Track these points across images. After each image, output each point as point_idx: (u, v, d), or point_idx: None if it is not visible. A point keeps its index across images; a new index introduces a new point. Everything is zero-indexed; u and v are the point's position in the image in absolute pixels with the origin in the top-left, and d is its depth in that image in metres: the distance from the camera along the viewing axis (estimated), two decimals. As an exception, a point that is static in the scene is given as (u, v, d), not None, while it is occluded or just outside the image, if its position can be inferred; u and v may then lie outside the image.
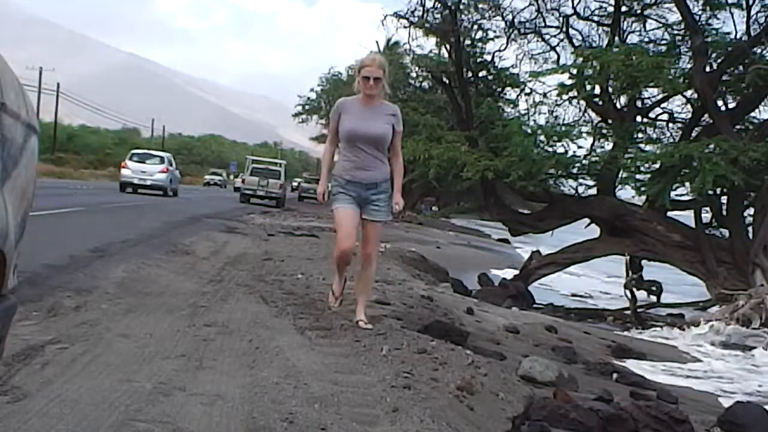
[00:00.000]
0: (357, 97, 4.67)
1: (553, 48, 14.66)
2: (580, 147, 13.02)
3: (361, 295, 4.77)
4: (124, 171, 24.02)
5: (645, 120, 13.72)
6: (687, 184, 11.17)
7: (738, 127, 12.14)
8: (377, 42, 35.30)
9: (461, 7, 14.13)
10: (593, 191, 13.37)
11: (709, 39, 12.00)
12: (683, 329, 9.97)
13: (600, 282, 18.04)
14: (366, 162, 4.58)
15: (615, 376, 5.95)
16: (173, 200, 22.98)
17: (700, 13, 12.34)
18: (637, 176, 11.97)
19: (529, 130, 12.99)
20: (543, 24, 14.55)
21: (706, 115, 12.44)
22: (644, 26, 13.66)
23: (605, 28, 13.89)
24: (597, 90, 12.98)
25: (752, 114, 12.62)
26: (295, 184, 55.04)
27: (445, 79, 15.19)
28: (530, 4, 14.27)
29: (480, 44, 15.19)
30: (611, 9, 13.52)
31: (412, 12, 14.37)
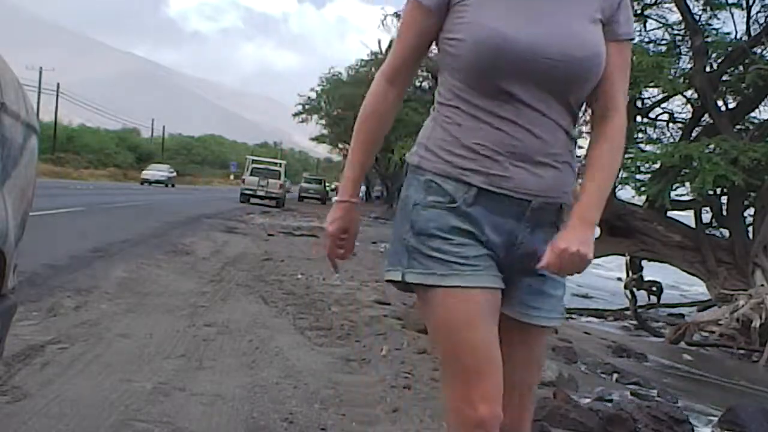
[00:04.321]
0: None
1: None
2: (580, 147, 12.94)
3: None
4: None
5: (645, 120, 13.71)
6: (687, 184, 11.15)
7: (738, 127, 12.14)
8: (379, 41, 35.36)
9: (461, 7, 14.12)
10: (593, 191, 13.35)
11: (709, 39, 11.98)
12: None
13: (600, 282, 18.03)
14: (539, 136, 1.39)
15: (615, 376, 5.95)
16: (173, 200, 23.14)
17: (700, 13, 12.32)
18: (637, 176, 11.95)
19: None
20: (543, 24, 14.54)
21: (706, 115, 12.43)
22: (644, 26, 13.63)
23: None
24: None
25: (752, 114, 12.61)
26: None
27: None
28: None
29: (480, 44, 15.19)
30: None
31: (412, 12, 14.36)
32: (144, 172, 41.88)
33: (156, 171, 41.46)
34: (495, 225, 1.39)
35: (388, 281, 1.47)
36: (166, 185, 39.61)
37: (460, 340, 1.37)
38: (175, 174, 43.73)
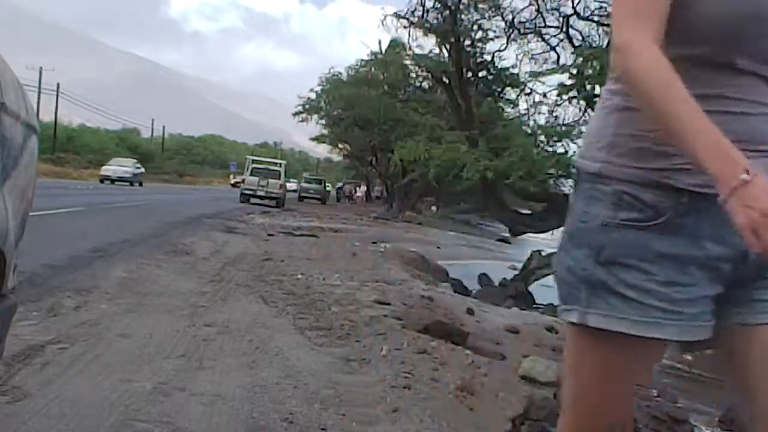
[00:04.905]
0: None
1: (553, 48, 14.67)
2: (580, 147, 13.03)
3: None
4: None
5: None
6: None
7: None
8: (380, 41, 35.44)
9: (461, 7, 14.13)
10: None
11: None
12: None
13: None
14: (765, 119, 1.13)
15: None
16: (173, 200, 23.19)
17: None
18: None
19: (529, 131, 13.02)
20: (543, 24, 14.56)
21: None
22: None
23: (605, 28, 13.90)
24: (597, 90, 13.00)
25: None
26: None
27: (445, 79, 15.21)
28: (530, 4, 14.28)
29: (480, 44, 15.22)
30: (611, 9, 13.53)
31: (412, 12, 14.39)
32: (104, 167, 33.67)
33: (118, 167, 33.27)
34: (716, 235, 1.07)
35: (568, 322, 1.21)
36: (132, 184, 32.07)
37: (616, 391, 1.20)
38: (142, 170, 35.49)
